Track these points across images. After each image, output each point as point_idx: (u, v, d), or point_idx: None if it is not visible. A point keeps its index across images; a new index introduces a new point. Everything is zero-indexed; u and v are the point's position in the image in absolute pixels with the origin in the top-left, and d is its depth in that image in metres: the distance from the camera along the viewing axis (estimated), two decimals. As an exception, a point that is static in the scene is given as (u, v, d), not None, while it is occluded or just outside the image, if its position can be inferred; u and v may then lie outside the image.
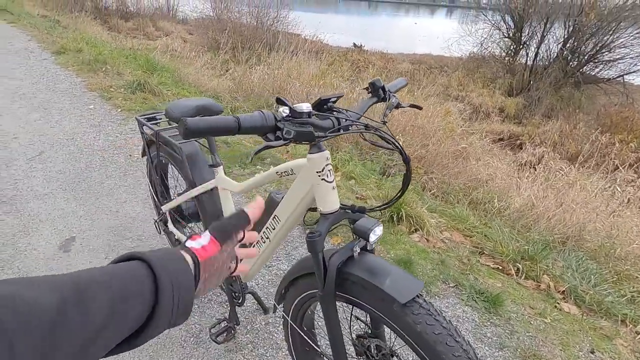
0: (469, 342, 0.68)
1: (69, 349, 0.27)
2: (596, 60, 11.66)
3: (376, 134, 0.68)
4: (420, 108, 0.90)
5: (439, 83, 12.91)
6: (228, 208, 1.17)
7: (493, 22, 13.45)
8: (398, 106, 0.82)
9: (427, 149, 3.86)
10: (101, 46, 7.10)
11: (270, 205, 0.93)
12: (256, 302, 1.41)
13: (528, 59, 12.84)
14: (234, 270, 0.50)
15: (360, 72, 6.81)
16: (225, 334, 1.25)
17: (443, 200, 3.44)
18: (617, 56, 11.14)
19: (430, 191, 3.60)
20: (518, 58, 13.18)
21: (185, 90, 4.92)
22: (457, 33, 14.80)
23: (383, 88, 0.82)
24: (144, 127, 1.38)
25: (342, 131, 0.69)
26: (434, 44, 21.48)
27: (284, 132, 0.58)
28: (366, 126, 0.68)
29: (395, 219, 2.46)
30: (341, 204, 0.79)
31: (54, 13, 14.48)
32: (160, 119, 1.40)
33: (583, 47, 11.55)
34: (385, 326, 0.76)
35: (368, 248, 0.79)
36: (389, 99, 0.81)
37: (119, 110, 3.64)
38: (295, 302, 0.94)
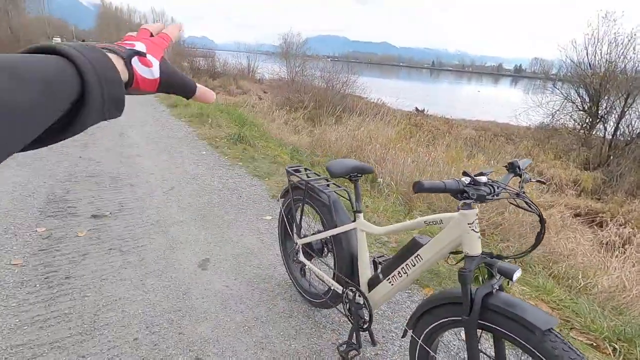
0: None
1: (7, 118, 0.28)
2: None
3: (524, 200, 0.95)
4: (544, 183, 1.15)
5: (506, 151, 12.77)
6: (363, 248, 1.46)
7: (566, 95, 13.31)
8: (527, 181, 1.08)
9: (503, 216, 3.91)
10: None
11: (413, 246, 1.21)
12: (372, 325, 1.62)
13: (606, 133, 12.30)
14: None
15: (436, 138, 7.15)
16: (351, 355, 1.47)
17: (523, 270, 3.42)
18: None
19: (506, 259, 3.60)
20: (594, 132, 12.69)
21: (271, 143, 5.59)
22: (525, 103, 14.79)
23: (519, 167, 1.09)
24: (292, 175, 1.78)
25: (500, 196, 0.96)
26: (498, 112, 21.44)
27: (470, 194, 0.86)
28: (517, 194, 0.95)
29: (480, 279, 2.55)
30: (482, 251, 1.04)
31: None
32: (300, 171, 1.80)
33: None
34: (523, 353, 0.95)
35: (501, 288, 1.01)
36: (523, 175, 1.07)
37: (226, 157, 4.30)
38: (430, 328, 1.16)
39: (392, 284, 1.30)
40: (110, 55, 0.39)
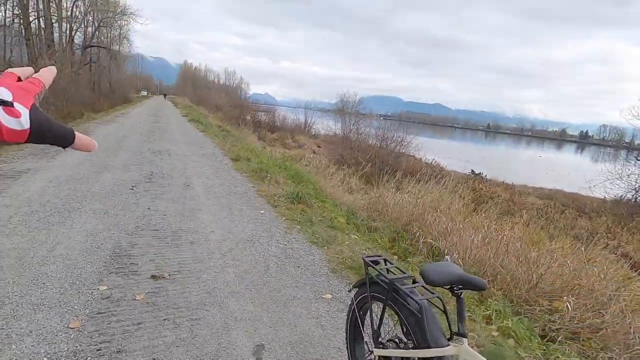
0: None
1: None
2: None
3: None
4: None
5: (579, 226, 11.49)
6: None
7: (651, 169, 11.97)
8: None
9: (602, 319, 3.25)
10: (261, 156, 8.71)
11: None
12: None
13: None
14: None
15: (509, 213, 6.58)
16: None
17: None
18: None
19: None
20: (692, 212, 11.03)
21: (327, 204, 5.46)
22: (599, 172, 13.50)
23: None
24: (370, 267, 1.55)
25: None
26: (565, 180, 19.89)
27: None
28: None
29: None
30: None
31: (226, 125, 18.80)
32: (379, 262, 1.57)
33: None
34: None
35: None
36: None
37: (284, 218, 4.22)
38: None
39: None
40: None
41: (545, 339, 3.13)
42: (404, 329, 1.40)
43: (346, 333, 1.78)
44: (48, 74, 0.47)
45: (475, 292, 3.45)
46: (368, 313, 1.61)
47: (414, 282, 1.44)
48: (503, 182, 17.37)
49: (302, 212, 4.54)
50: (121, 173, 5.53)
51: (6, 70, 0.44)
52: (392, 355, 1.43)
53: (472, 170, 19.14)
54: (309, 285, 2.72)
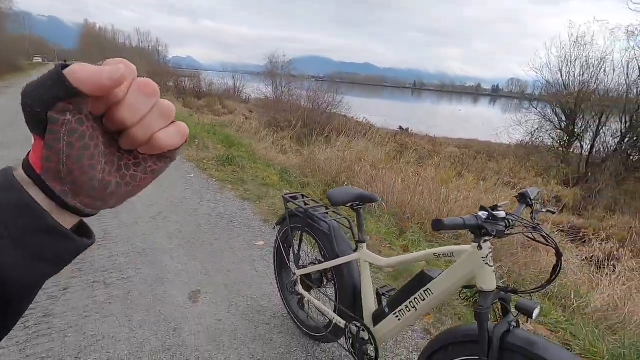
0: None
1: None
2: (660, 156, 11.33)
3: (541, 233, 0.92)
4: (554, 213, 1.13)
5: (488, 168, 13.03)
6: (366, 280, 1.41)
7: (543, 114, 13.83)
8: (538, 211, 1.06)
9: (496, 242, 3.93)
10: (187, 122, 8.30)
11: (423, 279, 1.16)
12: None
13: (583, 150, 12.77)
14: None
15: (423, 157, 7.25)
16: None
17: (515, 294, 3.40)
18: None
19: (501, 279, 3.57)
20: (572, 149, 13.16)
21: (259, 164, 5.53)
22: (505, 121, 15.29)
23: (530, 197, 1.07)
24: (289, 203, 1.72)
25: (516, 230, 0.93)
26: (479, 130, 22.05)
27: (489, 230, 0.83)
28: (534, 227, 0.92)
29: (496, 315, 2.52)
30: (497, 285, 1.00)
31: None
32: (298, 198, 1.74)
33: (642, 142, 11.39)
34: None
35: (517, 325, 0.97)
36: (534, 206, 1.05)
37: (215, 180, 4.21)
38: (443, 367, 1.10)
39: (400, 319, 1.25)
40: None
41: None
42: (321, 251, 1.62)
43: (274, 265, 1.97)
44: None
45: (393, 227, 3.89)
46: (293, 244, 1.80)
47: (327, 210, 1.64)
48: (427, 135, 18.78)
49: (234, 173, 4.56)
50: (21, 153, 4.94)
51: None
52: (311, 272, 1.64)
53: (400, 127, 20.32)
54: (242, 236, 2.85)
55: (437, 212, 4.21)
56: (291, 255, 1.78)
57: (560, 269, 0.94)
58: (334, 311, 1.56)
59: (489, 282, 0.98)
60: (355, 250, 1.46)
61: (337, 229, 1.53)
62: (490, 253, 0.97)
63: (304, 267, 1.70)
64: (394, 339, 1.79)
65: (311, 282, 1.67)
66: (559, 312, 3.08)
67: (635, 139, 11.43)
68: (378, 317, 1.35)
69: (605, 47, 12.11)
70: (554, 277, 0.96)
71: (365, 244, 1.42)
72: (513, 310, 1.00)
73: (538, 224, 0.97)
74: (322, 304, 1.61)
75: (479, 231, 0.82)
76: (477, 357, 0.98)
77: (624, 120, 11.64)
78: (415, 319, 1.22)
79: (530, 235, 0.91)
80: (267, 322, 1.90)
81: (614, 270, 4.13)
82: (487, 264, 0.98)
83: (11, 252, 0.25)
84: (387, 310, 1.30)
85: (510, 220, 0.93)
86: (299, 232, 1.70)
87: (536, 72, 14.09)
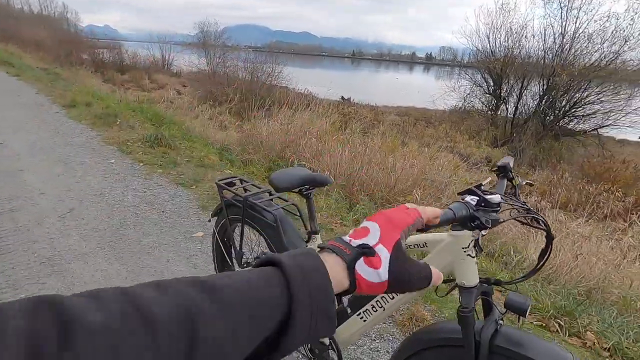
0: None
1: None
2: (571, 115, 12.60)
3: (535, 217, 0.75)
4: (532, 184, 0.99)
5: (427, 134, 13.57)
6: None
7: (474, 80, 14.58)
8: (521, 186, 0.90)
9: (441, 202, 3.99)
10: (107, 99, 7.29)
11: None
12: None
13: (508, 113, 13.80)
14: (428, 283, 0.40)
15: (368, 128, 7.17)
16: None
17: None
18: (590, 112, 12.11)
19: (506, 285, 3.65)
20: (499, 112, 14.15)
21: (196, 143, 5.03)
22: (440, 88, 15.91)
23: (511, 170, 0.91)
24: (224, 190, 1.42)
25: (511, 215, 0.75)
26: (416, 97, 22.85)
27: (483, 221, 0.64)
28: (527, 210, 0.75)
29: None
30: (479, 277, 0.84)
31: (53, 66, 14.92)
32: (235, 184, 1.45)
33: (558, 103, 12.54)
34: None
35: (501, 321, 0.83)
36: (516, 180, 0.89)
37: (142, 164, 3.68)
38: (419, 375, 0.94)
39: (365, 320, 1.06)
40: (330, 256, 0.36)
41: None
42: (267, 243, 1.37)
43: (214, 263, 1.69)
44: (433, 213, 0.46)
45: (343, 201, 3.75)
46: (234, 238, 1.52)
47: (270, 194, 1.38)
48: (368, 104, 18.96)
49: (165, 155, 4.04)
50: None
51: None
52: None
53: (342, 97, 20.22)
54: (176, 228, 2.49)
55: (385, 181, 4.15)
56: (233, 252, 1.51)
57: (550, 252, 0.80)
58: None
59: (471, 276, 0.81)
60: (307, 243, 1.23)
61: (284, 219, 1.29)
62: (471, 242, 0.80)
63: (247, 264, 1.44)
64: (356, 342, 1.64)
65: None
66: (503, 270, 3.21)
67: (551, 100, 12.54)
68: (339, 318, 1.15)
69: (527, 14, 12.89)
70: (542, 262, 0.82)
71: (318, 235, 1.19)
72: (497, 305, 0.85)
73: (525, 204, 0.81)
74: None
75: (471, 223, 0.64)
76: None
77: (541, 83, 12.66)
78: (383, 318, 1.05)
79: (524, 220, 0.75)
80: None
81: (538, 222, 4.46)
82: (468, 255, 0.80)
83: None
84: (349, 310, 1.11)
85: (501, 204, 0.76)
86: (240, 225, 1.43)
87: (467, 39, 14.66)
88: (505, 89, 13.88)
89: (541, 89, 12.78)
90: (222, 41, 21.13)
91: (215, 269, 1.69)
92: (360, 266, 0.36)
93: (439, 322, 0.95)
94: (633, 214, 7.72)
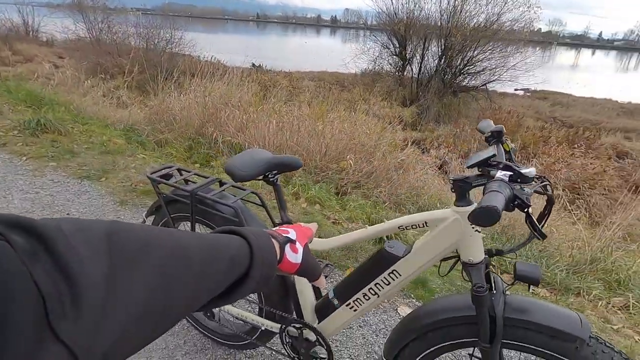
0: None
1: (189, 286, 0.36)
2: (465, 73, 13.97)
3: (547, 183, 0.71)
4: (509, 149, 0.97)
5: (343, 99, 13.80)
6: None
7: (382, 42, 15.07)
8: (515, 151, 0.86)
9: (372, 164, 4.08)
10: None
11: (385, 260, 0.88)
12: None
13: (413, 73, 14.70)
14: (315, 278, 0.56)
15: (294, 95, 6.89)
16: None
17: (399, 211, 3.67)
18: (480, 69, 13.57)
19: (384, 204, 3.80)
20: (406, 73, 14.99)
21: (92, 126, 4.28)
22: (348, 51, 16.14)
23: (501, 133, 0.86)
24: (161, 184, 1.16)
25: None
26: (326, 61, 22.92)
27: (525, 199, 0.56)
28: (541, 178, 0.70)
29: (378, 238, 2.55)
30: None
31: None
32: (172, 175, 1.20)
33: (454, 62, 13.75)
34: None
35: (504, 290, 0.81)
36: (507, 144, 0.85)
37: (26, 158, 2.95)
38: (422, 356, 0.90)
39: (356, 310, 0.97)
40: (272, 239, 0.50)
41: (340, 195, 3.71)
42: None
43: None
44: (313, 228, 0.64)
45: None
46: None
47: (222, 184, 1.17)
48: (282, 70, 18.39)
49: (55, 144, 3.32)
50: None
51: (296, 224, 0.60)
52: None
53: (253, 63, 19.21)
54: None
55: (317, 148, 4.08)
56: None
57: (549, 216, 0.78)
58: (261, 315, 1.19)
59: (478, 251, 0.77)
60: (278, 235, 1.07)
61: (246, 211, 1.10)
62: (478, 216, 0.74)
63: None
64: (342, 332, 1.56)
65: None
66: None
67: (448, 60, 13.67)
68: (324, 311, 1.05)
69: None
70: (542, 225, 0.80)
71: (291, 226, 1.05)
72: (498, 275, 0.83)
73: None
74: (242, 311, 1.21)
75: (511, 204, 0.56)
76: (471, 340, 0.80)
77: (440, 44, 13.66)
78: (375, 305, 0.97)
79: (540, 189, 0.70)
80: (161, 345, 1.40)
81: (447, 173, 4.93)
82: (476, 230, 0.75)
83: None
84: (336, 302, 1.01)
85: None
86: (187, 223, 1.19)
87: (371, 1, 14.90)
88: (409, 50, 14.66)
89: (440, 49, 13.81)
90: (103, 2, 18.00)
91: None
92: (287, 249, 0.50)
93: (441, 299, 0.91)
94: (518, 156, 9.04)
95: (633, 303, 2.20)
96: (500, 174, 0.61)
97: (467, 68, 13.76)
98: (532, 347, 0.75)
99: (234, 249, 0.41)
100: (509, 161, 0.81)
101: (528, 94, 18.14)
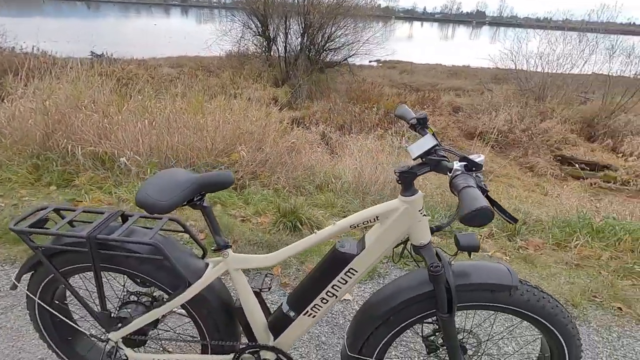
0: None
1: None
2: (327, 49, 14.73)
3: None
4: (433, 132, 1.04)
5: (213, 85, 13.03)
6: (245, 292, 0.96)
7: (243, 22, 14.56)
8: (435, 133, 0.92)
9: (265, 151, 3.99)
10: None
11: (339, 260, 0.87)
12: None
13: (280, 52, 14.76)
14: None
15: (163, 88, 6.01)
16: None
17: (301, 194, 3.74)
18: (339, 45, 14.50)
19: (284, 189, 3.80)
20: (273, 53, 14.93)
21: None
22: (207, 32, 15.15)
23: (425, 119, 0.90)
24: (36, 236, 0.88)
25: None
26: (184, 45, 21.06)
27: (484, 186, 0.59)
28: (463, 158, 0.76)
29: (293, 226, 2.55)
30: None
31: None
32: (49, 219, 0.92)
33: (316, 39, 14.32)
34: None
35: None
36: (430, 128, 0.90)
37: None
38: (386, 339, 0.94)
39: (314, 316, 0.95)
40: None
41: (239, 189, 3.55)
42: (138, 282, 0.97)
43: (46, 339, 1.10)
44: None
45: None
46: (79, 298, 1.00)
47: (125, 217, 0.95)
48: (133, 58, 16.07)
49: None
50: None
51: None
52: (143, 326, 0.99)
53: (92, 52, 16.22)
54: None
55: (203, 145, 3.79)
56: (79, 314, 1.01)
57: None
58: (205, 352, 1.05)
59: (425, 233, 0.82)
60: (208, 262, 0.94)
61: (171, 245, 0.92)
62: (423, 202, 0.79)
63: (122, 321, 1.00)
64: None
65: (145, 335, 1.03)
66: (336, 197, 3.65)
67: (311, 37, 14.15)
68: (279, 325, 0.99)
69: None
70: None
71: (230, 250, 0.92)
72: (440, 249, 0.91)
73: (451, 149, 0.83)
74: (182, 356, 1.05)
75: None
76: (428, 312, 0.87)
77: (300, 22, 13.98)
78: (332, 306, 0.96)
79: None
80: None
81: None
82: (424, 215, 0.79)
83: None
84: (292, 314, 0.96)
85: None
86: (88, 274, 0.94)
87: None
88: (272, 30, 14.58)
89: (301, 28, 14.15)
90: None
91: (50, 346, 1.11)
92: None
93: (396, 282, 0.94)
94: (384, 122, 10.18)
95: (495, 231, 2.77)
96: (457, 165, 0.65)
97: (328, 44, 14.50)
98: (478, 303, 0.86)
99: None
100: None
101: (380, 64, 20.30)
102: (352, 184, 4.03)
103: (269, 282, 1.03)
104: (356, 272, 0.87)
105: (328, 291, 0.90)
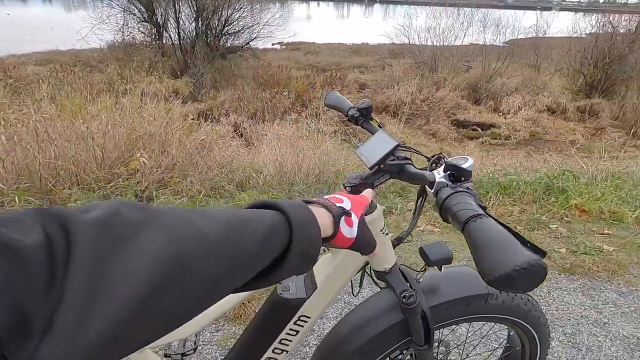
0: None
1: (222, 272, 0.32)
2: (226, 34, 13.84)
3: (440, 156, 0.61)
4: (378, 124, 0.85)
5: (97, 81, 11.32)
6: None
7: (122, 7, 12.76)
8: (382, 124, 0.74)
9: (171, 154, 3.49)
10: None
11: (285, 308, 0.65)
12: None
13: (174, 40, 13.39)
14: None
15: (23, 91, 4.76)
16: None
17: (221, 197, 3.39)
18: (239, 28, 13.73)
19: (200, 194, 3.40)
20: (165, 40, 13.46)
21: None
22: (85, 21, 13.00)
23: (369, 109, 0.70)
24: None
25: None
26: (52, 37, 17.93)
27: (481, 202, 0.42)
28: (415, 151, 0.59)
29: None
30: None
31: None
32: None
33: (212, 23, 13.31)
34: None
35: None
36: (375, 120, 0.71)
37: None
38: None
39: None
40: (321, 210, 0.44)
41: (146, 201, 3.05)
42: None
43: None
44: (369, 194, 0.54)
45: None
46: None
47: None
48: (-19, 57, 13.00)
49: None
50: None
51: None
52: None
53: None
54: None
55: (91, 156, 3.18)
56: None
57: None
58: None
59: (391, 256, 0.64)
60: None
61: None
62: (384, 220, 0.60)
63: None
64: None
65: None
66: (260, 192, 3.40)
67: (205, 21, 13.10)
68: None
69: None
70: (422, 202, 0.74)
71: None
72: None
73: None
74: None
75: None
76: (404, 341, 0.71)
77: (192, 6, 12.81)
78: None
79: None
80: None
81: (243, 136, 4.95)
82: (386, 234, 0.61)
83: None
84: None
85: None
86: None
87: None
88: (160, 15, 13.09)
89: (193, 11, 12.98)
90: None
91: None
92: (342, 222, 0.45)
93: (359, 312, 0.75)
94: (297, 105, 10.03)
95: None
96: (439, 177, 0.47)
97: (226, 28, 13.61)
98: (453, 320, 0.73)
99: (267, 224, 0.36)
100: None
101: (284, 47, 19.93)
102: (275, 176, 3.80)
103: (193, 342, 0.76)
104: (309, 318, 0.66)
105: (275, 348, 0.68)
